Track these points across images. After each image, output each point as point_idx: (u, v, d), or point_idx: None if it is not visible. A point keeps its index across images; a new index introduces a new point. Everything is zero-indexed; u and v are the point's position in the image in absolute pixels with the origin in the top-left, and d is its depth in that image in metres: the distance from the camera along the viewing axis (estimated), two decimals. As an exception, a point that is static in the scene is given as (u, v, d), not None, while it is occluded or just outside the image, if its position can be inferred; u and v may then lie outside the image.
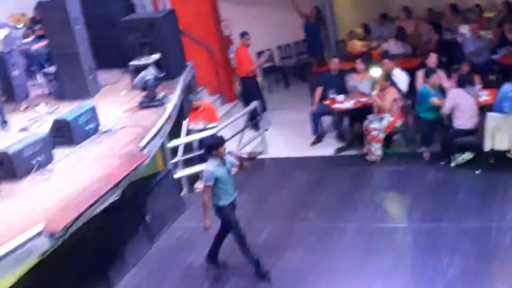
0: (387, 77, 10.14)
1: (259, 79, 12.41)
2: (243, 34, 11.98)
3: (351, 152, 10.41)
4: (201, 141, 9.55)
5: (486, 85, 10.02)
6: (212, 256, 7.52)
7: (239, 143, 10.59)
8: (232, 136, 10.53)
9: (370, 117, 9.95)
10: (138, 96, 10.08)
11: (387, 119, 9.81)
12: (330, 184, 9.47)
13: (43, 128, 8.85)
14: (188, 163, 10.03)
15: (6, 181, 7.32)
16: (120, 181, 7.15)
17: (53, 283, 6.70)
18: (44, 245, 6.09)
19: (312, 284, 6.99)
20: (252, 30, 12.67)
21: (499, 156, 8.97)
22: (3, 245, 5.71)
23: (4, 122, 9.36)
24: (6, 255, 5.68)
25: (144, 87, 9.98)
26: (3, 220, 6.43)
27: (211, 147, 7.13)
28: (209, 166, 7.10)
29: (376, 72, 10.26)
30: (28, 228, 6.04)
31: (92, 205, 6.71)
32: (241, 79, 11.97)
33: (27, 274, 6.75)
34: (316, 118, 10.93)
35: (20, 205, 6.83)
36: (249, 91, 11.72)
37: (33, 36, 11.67)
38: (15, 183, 7.34)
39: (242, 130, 10.69)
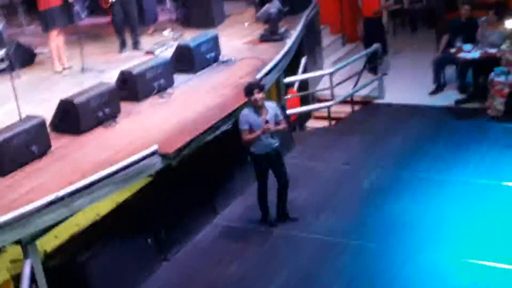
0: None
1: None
2: None
3: (472, 105, 10.01)
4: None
5: None
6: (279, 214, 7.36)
7: (354, 86, 10.48)
8: (348, 78, 10.45)
9: (496, 70, 9.49)
10: (261, 28, 10.18)
11: (514, 74, 9.33)
12: (444, 135, 9.21)
13: (167, 52, 9.20)
14: (301, 101, 10.10)
15: (128, 100, 7.71)
16: (233, 111, 7.35)
17: (162, 204, 7.07)
18: (156, 164, 6.43)
19: (410, 235, 6.91)
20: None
21: None
22: (119, 162, 6.08)
23: (137, 43, 9.80)
24: (121, 170, 6.05)
25: (267, 20, 10.05)
26: (122, 137, 6.84)
27: (245, 92, 6.86)
28: (244, 111, 6.91)
29: (510, 24, 9.71)
30: (144, 147, 6.39)
31: (206, 131, 6.97)
32: (366, 19, 11.67)
33: (139, 192, 7.17)
34: (439, 66, 10.56)
35: (138, 124, 7.22)
36: (373, 33, 11.43)
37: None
38: (136, 103, 7.75)
39: (358, 73, 10.54)
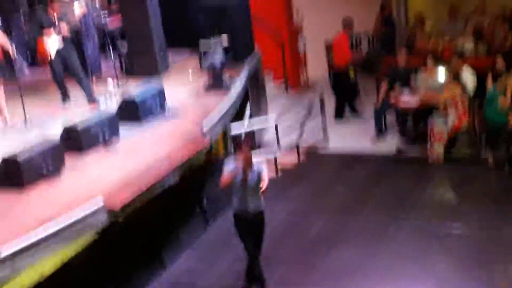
0: (456, 76, 9.95)
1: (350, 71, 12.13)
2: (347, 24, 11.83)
3: (414, 150, 10.25)
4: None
5: None
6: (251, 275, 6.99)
7: (300, 135, 10.56)
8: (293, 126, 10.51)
9: (435, 114, 9.79)
10: (205, 76, 10.23)
11: (452, 119, 9.64)
12: (388, 181, 9.39)
13: (112, 102, 9.13)
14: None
15: (72, 154, 7.58)
16: (181, 164, 7.31)
17: (107, 260, 6.91)
18: (102, 221, 6.30)
19: (361, 280, 6.97)
20: (324, 19, 12.58)
21: None
22: (62, 218, 5.94)
23: (90, 95, 9.59)
24: (66, 227, 5.91)
25: (212, 68, 10.12)
26: (67, 193, 6.69)
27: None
28: (228, 163, 6.74)
29: (442, 73, 10.10)
30: (87, 202, 6.26)
31: (153, 185, 6.90)
32: (335, 71, 11.88)
33: (83, 249, 6.98)
34: (379, 114, 10.81)
35: (83, 178, 7.08)
36: (342, 82, 11.68)
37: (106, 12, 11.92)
38: (81, 155, 7.61)
39: (303, 121, 10.65)
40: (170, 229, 7.81)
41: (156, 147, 7.78)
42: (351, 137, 10.95)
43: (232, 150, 6.71)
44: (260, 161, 6.88)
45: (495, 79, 9.52)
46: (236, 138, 6.71)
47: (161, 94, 9.06)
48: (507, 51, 10.79)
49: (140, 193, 6.64)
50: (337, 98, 11.79)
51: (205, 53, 10.62)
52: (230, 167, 6.61)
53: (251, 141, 10.00)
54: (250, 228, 6.80)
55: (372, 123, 10.87)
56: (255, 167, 6.66)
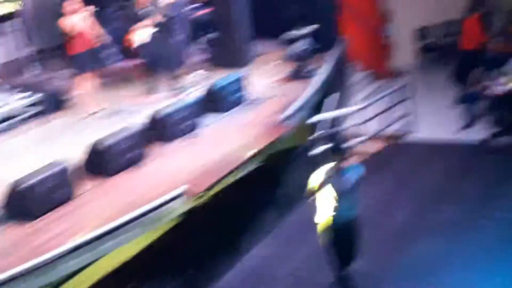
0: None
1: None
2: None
3: (506, 139, 9.81)
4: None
5: None
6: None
7: (383, 123, 10.37)
8: (378, 114, 10.35)
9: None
10: (290, 67, 10.23)
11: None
12: (478, 171, 9.04)
13: (197, 93, 9.31)
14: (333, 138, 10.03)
15: (157, 142, 7.81)
16: (260, 151, 7.38)
17: (187, 245, 7.05)
18: (183, 206, 6.46)
19: (443, 275, 6.76)
20: (412, 6, 12.27)
21: None
22: (145, 205, 6.14)
23: (173, 85, 9.86)
24: (147, 213, 6.11)
25: (297, 58, 10.11)
26: (149, 180, 6.91)
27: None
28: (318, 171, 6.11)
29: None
30: (170, 189, 6.44)
31: (232, 171, 7.00)
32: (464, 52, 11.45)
33: (165, 234, 7.18)
34: (468, 100, 10.42)
35: (167, 166, 7.28)
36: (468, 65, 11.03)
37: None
38: (165, 144, 7.83)
39: (388, 109, 10.43)
40: (248, 216, 7.88)
41: (236, 135, 7.92)
42: (439, 125, 10.60)
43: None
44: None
45: None
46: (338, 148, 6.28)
47: (243, 84, 9.16)
48: None
49: (219, 179, 6.76)
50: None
51: (291, 42, 10.62)
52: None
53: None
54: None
55: (461, 112, 10.50)
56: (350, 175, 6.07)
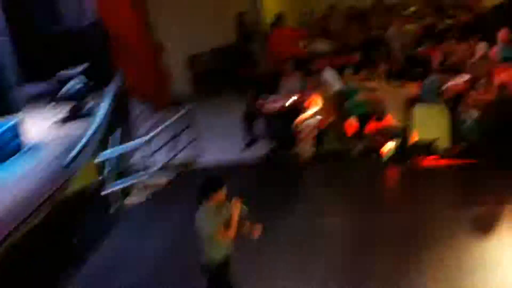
0: (317, 76, 10.27)
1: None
2: None
3: (285, 152, 10.42)
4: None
5: (412, 78, 10.20)
6: None
7: (170, 152, 10.44)
8: (164, 145, 10.39)
9: (302, 116, 10.01)
10: (67, 107, 9.89)
11: (318, 118, 9.91)
12: (264, 187, 9.46)
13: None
14: (121, 175, 9.86)
15: None
16: (44, 202, 6.97)
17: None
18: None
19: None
20: (183, 34, 12.55)
21: (425, 147, 9.18)
22: None
23: None
24: None
25: (72, 98, 9.81)
26: None
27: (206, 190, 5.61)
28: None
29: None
30: None
31: (18, 226, 6.53)
32: None
33: None
34: (248, 121, 10.90)
35: None
36: None
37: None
38: None
39: (174, 138, 10.54)
40: (39, 272, 7.35)
41: (19, 185, 7.40)
42: (224, 148, 10.95)
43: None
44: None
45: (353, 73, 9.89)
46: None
47: (19, 131, 8.65)
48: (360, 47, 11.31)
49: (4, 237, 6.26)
50: None
51: (64, 83, 10.29)
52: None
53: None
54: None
55: (241, 133, 10.95)
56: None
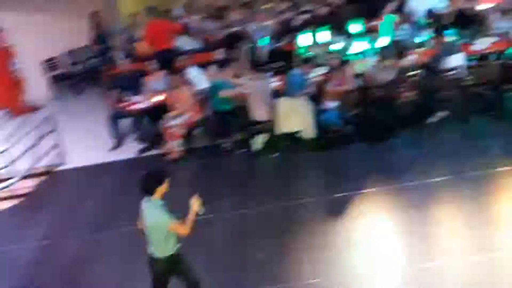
0: (181, 75, 10.25)
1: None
2: None
3: (154, 152, 10.31)
4: None
5: (276, 72, 10.47)
6: None
7: (33, 158, 9.99)
8: (25, 152, 9.93)
9: (168, 115, 9.95)
10: None
11: (185, 115, 9.90)
12: (135, 187, 9.31)
13: None
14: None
15: None
16: None
17: None
18: None
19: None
20: (36, 38, 12.05)
21: (291, 138, 9.49)
22: None
23: None
24: None
25: None
26: None
27: (155, 181, 5.61)
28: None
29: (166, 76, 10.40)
30: None
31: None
32: None
33: None
34: (113, 121, 10.67)
35: None
36: None
37: None
38: None
39: (35, 144, 10.08)
40: None
41: None
42: (90, 151, 10.64)
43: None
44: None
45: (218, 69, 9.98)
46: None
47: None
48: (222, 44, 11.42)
49: None
50: None
51: None
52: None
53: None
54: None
55: (107, 133, 10.69)
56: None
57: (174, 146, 9.88)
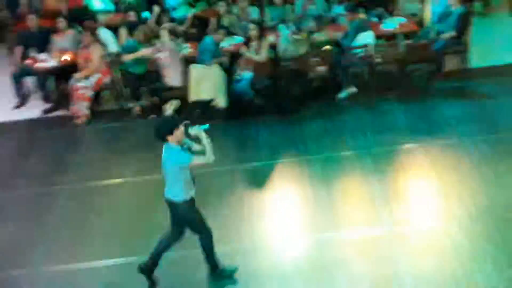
0: (92, 34, 9.93)
1: None
2: None
3: (59, 113, 9.98)
4: None
5: (189, 39, 10.32)
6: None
7: None
8: None
9: (76, 75, 9.63)
10: None
11: (94, 77, 9.62)
12: (38, 148, 9.02)
13: None
14: None
15: None
16: None
17: None
18: None
19: (30, 254, 6.68)
20: None
21: (203, 105, 9.36)
22: None
23: None
24: None
25: None
26: None
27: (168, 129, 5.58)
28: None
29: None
30: None
31: None
32: None
33: None
34: (17, 79, 10.22)
35: None
36: None
37: None
38: None
39: None
40: None
41: None
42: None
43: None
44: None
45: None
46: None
47: None
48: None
49: None
50: None
51: None
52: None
53: None
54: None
55: (10, 91, 10.22)
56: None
57: (81, 108, 9.60)
